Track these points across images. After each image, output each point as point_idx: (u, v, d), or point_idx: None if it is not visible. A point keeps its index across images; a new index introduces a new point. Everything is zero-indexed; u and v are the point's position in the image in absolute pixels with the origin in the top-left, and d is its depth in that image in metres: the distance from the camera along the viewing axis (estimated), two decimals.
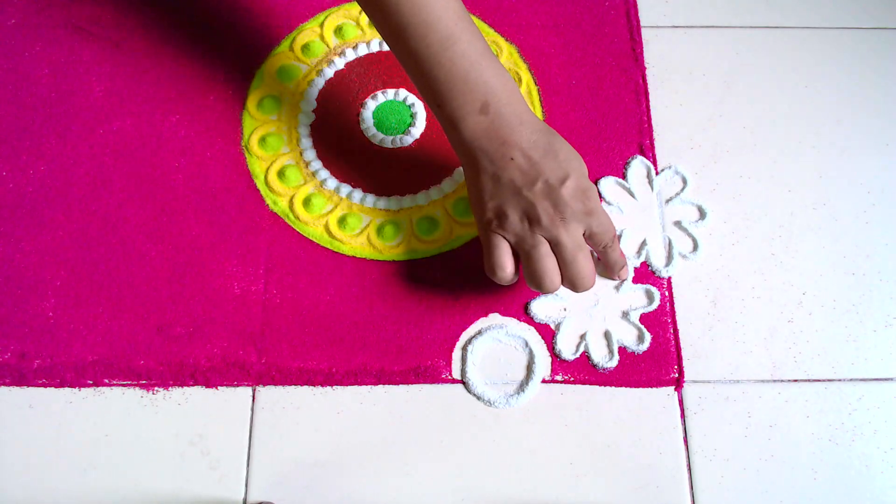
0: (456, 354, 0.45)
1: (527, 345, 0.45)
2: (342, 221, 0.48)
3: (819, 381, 0.45)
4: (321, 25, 0.54)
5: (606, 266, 0.45)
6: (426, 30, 0.40)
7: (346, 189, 0.49)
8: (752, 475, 0.42)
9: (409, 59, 0.41)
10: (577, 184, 0.40)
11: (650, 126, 0.52)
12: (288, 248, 0.48)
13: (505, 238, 0.41)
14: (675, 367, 0.45)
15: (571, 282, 0.41)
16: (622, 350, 0.45)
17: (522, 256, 0.41)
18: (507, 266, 0.41)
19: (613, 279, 0.46)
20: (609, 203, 0.49)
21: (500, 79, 0.41)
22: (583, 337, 0.45)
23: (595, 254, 0.44)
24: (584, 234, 0.41)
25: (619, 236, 0.48)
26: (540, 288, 0.41)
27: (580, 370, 0.45)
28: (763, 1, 0.56)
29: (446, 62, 0.40)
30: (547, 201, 0.40)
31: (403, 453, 0.43)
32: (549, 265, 0.41)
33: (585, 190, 0.40)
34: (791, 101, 0.53)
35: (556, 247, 0.41)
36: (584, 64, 0.54)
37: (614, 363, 0.45)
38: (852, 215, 0.49)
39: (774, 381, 0.45)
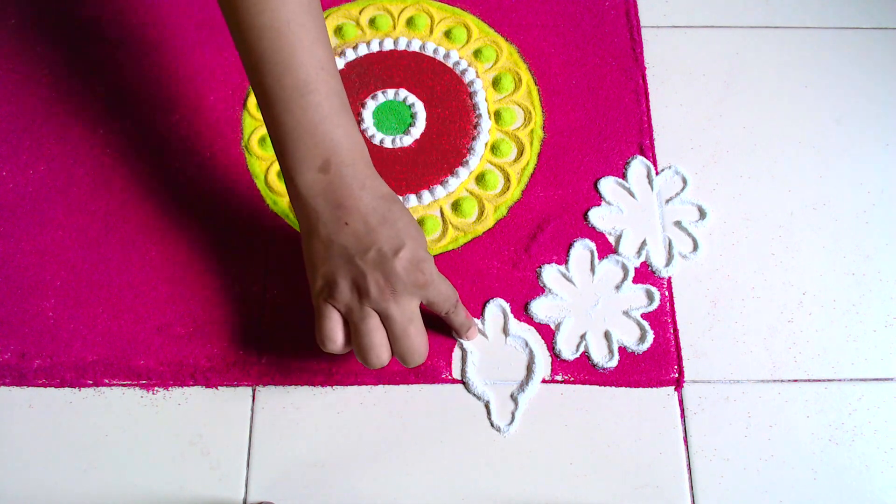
0: (456, 354, 0.45)
1: (527, 345, 0.45)
2: None
3: (819, 381, 0.45)
4: None
5: (453, 329, 0.44)
6: (284, 71, 0.38)
7: None
8: (752, 475, 0.42)
9: (261, 95, 0.39)
10: (411, 255, 0.38)
11: (650, 126, 0.52)
12: (288, 248, 0.48)
13: (335, 307, 0.39)
14: (675, 367, 0.45)
15: (401, 356, 0.39)
16: (622, 350, 0.45)
17: (351, 328, 0.39)
18: (336, 338, 0.39)
19: (463, 339, 0.45)
20: (609, 203, 0.49)
21: (350, 139, 0.39)
22: (583, 337, 0.45)
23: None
24: (426, 303, 0.39)
25: (620, 237, 0.48)
26: (366, 363, 0.39)
27: (580, 370, 0.45)
28: (763, 1, 0.56)
29: (297, 110, 0.38)
30: (378, 272, 0.37)
31: (403, 453, 0.43)
32: (376, 339, 0.38)
33: (420, 261, 0.38)
34: (791, 101, 0.53)
35: (385, 320, 0.38)
36: (584, 64, 0.54)
37: (614, 363, 0.45)
38: (852, 215, 0.49)
39: (774, 381, 0.45)
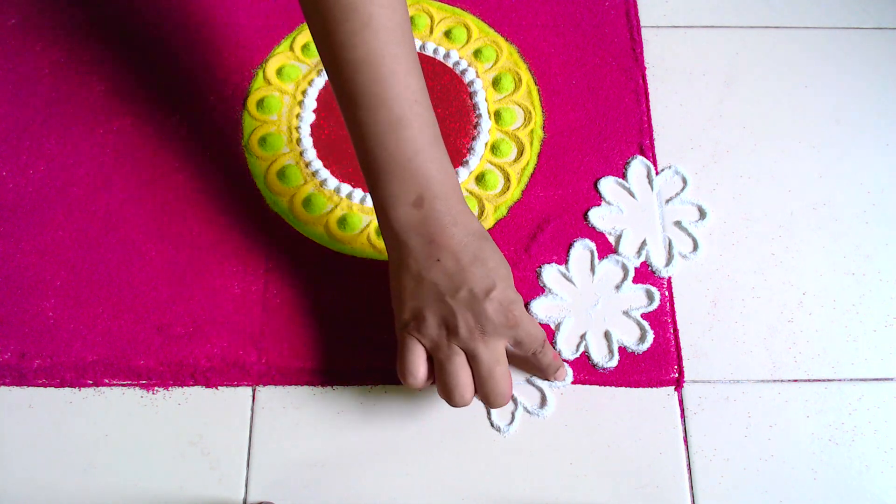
0: None
1: None
2: (342, 221, 0.48)
3: (819, 381, 0.45)
4: None
5: (540, 370, 0.42)
6: (378, 105, 0.38)
7: (346, 189, 0.49)
8: (752, 475, 0.42)
9: (354, 129, 0.39)
10: (502, 295, 0.38)
11: (650, 126, 0.52)
12: (288, 248, 0.48)
13: (421, 342, 0.39)
14: (675, 367, 0.45)
15: (485, 398, 0.39)
16: (622, 350, 0.45)
17: (436, 364, 0.39)
18: (419, 373, 0.39)
19: (550, 381, 0.43)
20: (609, 203, 0.49)
21: (443, 174, 0.39)
22: (583, 337, 0.45)
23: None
24: (509, 344, 0.39)
25: (620, 237, 0.48)
26: (449, 401, 0.39)
27: (580, 370, 0.45)
28: (763, 1, 0.56)
29: (391, 144, 0.38)
30: (469, 312, 0.37)
31: (403, 453, 0.43)
32: (462, 379, 0.38)
33: (511, 303, 0.38)
34: (791, 101, 0.53)
35: (472, 360, 0.38)
36: (584, 64, 0.54)
37: (614, 363, 0.45)
38: (852, 215, 0.49)
39: (774, 381, 0.45)
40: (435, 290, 0.38)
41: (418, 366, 0.39)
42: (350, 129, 0.40)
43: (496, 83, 0.53)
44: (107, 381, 0.44)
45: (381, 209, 0.39)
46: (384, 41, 0.38)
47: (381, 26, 0.38)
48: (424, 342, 0.39)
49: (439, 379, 0.39)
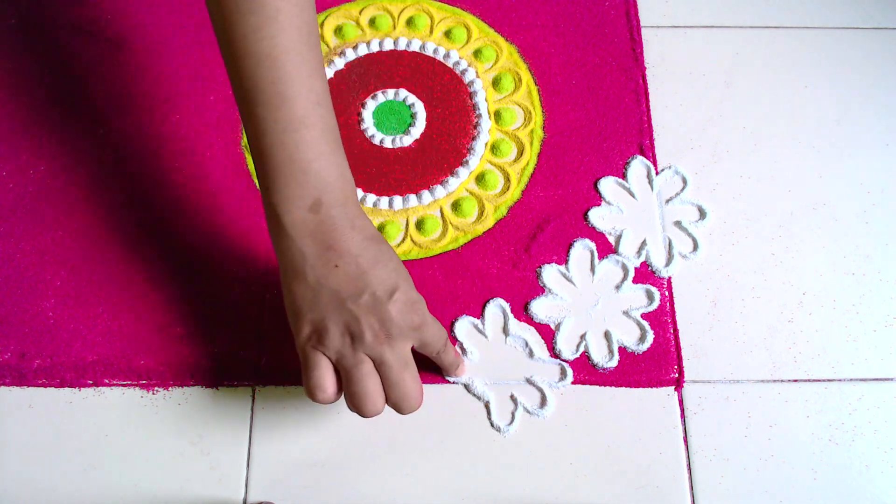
0: None
1: (527, 345, 0.45)
2: None
3: (819, 381, 0.45)
4: (321, 25, 0.54)
5: (442, 368, 0.43)
6: (280, 103, 0.36)
7: None
8: (752, 475, 0.42)
9: (251, 126, 0.37)
10: (406, 297, 0.36)
11: (650, 126, 0.52)
12: None
13: (325, 354, 0.36)
14: (675, 367, 0.45)
15: (396, 404, 0.37)
16: (622, 350, 0.45)
17: (343, 376, 0.37)
18: (327, 387, 0.36)
19: (451, 377, 0.44)
20: (609, 203, 0.49)
21: (342, 179, 0.37)
22: (583, 337, 0.45)
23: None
24: (416, 346, 0.38)
25: (620, 237, 0.48)
26: (360, 412, 0.36)
27: (580, 370, 0.45)
28: (763, 1, 0.56)
29: (290, 145, 0.36)
30: (373, 316, 0.35)
31: (403, 453, 0.43)
32: (370, 387, 0.36)
33: (414, 303, 0.37)
34: (791, 101, 0.53)
35: (380, 366, 0.36)
36: (584, 64, 0.54)
37: (614, 363, 0.45)
38: (852, 215, 0.49)
39: (774, 381, 0.45)
40: (335, 297, 0.36)
41: (326, 380, 0.36)
42: (246, 126, 0.38)
43: (496, 83, 0.53)
44: (107, 381, 0.44)
45: (274, 213, 0.37)
46: (290, 38, 0.37)
47: (287, 23, 0.36)
48: (329, 354, 0.36)
49: (347, 390, 0.36)
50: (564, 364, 0.45)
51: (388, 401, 0.37)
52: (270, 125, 0.36)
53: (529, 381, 0.44)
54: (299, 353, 0.38)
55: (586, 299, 0.46)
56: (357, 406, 0.36)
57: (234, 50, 0.37)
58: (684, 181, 0.50)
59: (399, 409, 0.37)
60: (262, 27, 0.36)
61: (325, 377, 0.37)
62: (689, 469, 0.43)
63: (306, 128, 0.36)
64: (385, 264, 0.37)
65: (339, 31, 0.54)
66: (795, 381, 0.45)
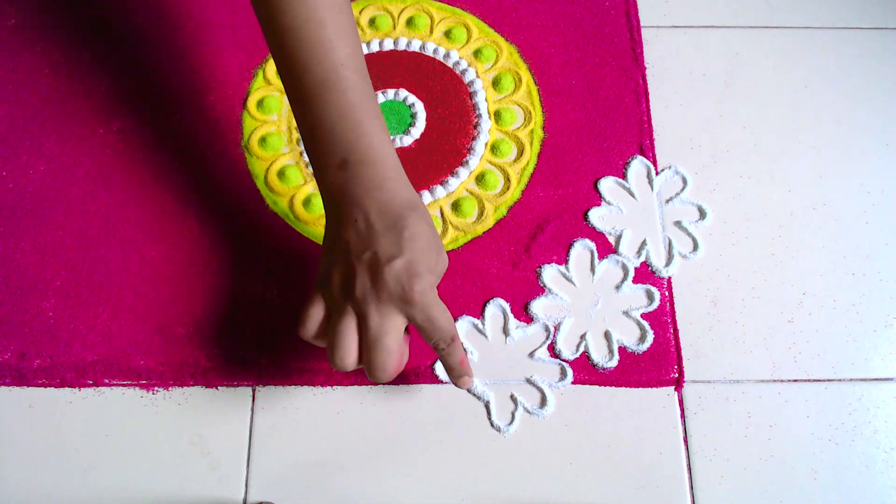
0: None
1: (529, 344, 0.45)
2: None
3: (819, 381, 0.45)
4: None
5: (446, 369, 0.40)
6: (304, 69, 0.38)
7: None
8: (752, 475, 0.42)
9: (288, 95, 0.40)
10: (406, 267, 0.36)
11: (650, 126, 0.52)
12: (288, 248, 0.48)
13: (324, 298, 0.38)
14: (675, 367, 0.45)
15: (367, 366, 0.37)
16: (622, 350, 0.45)
17: (329, 322, 0.38)
18: (311, 326, 0.38)
19: (455, 384, 0.41)
20: (609, 203, 0.49)
21: (369, 138, 0.38)
22: (583, 337, 0.45)
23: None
24: (415, 326, 0.37)
25: (620, 237, 0.48)
26: (330, 361, 0.37)
27: (580, 370, 0.45)
28: (763, 1, 0.56)
29: (317, 109, 0.38)
30: (367, 275, 0.36)
31: (403, 453, 0.43)
32: (346, 340, 0.37)
33: (414, 276, 0.36)
34: (791, 101, 0.53)
35: (361, 324, 0.37)
36: (584, 64, 0.54)
37: (614, 363, 0.45)
38: (852, 215, 0.49)
39: (774, 381, 0.45)
40: (345, 248, 0.37)
41: (313, 319, 0.38)
42: (287, 97, 0.40)
43: (496, 83, 0.53)
44: (107, 381, 0.44)
45: (314, 171, 0.40)
46: (311, 7, 0.38)
47: None
48: (326, 299, 0.38)
49: (327, 336, 0.38)
50: (564, 364, 0.45)
51: (360, 362, 0.38)
52: (298, 91, 0.39)
53: (529, 381, 0.44)
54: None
55: (586, 299, 0.46)
56: (329, 353, 0.37)
57: (268, 26, 0.40)
58: (684, 181, 0.50)
59: (368, 373, 0.37)
60: (290, 2, 0.38)
61: (314, 316, 0.38)
62: (689, 469, 0.43)
63: (328, 91, 0.38)
64: (399, 231, 0.37)
65: None
66: (795, 381, 0.45)
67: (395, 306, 0.36)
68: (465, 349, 0.41)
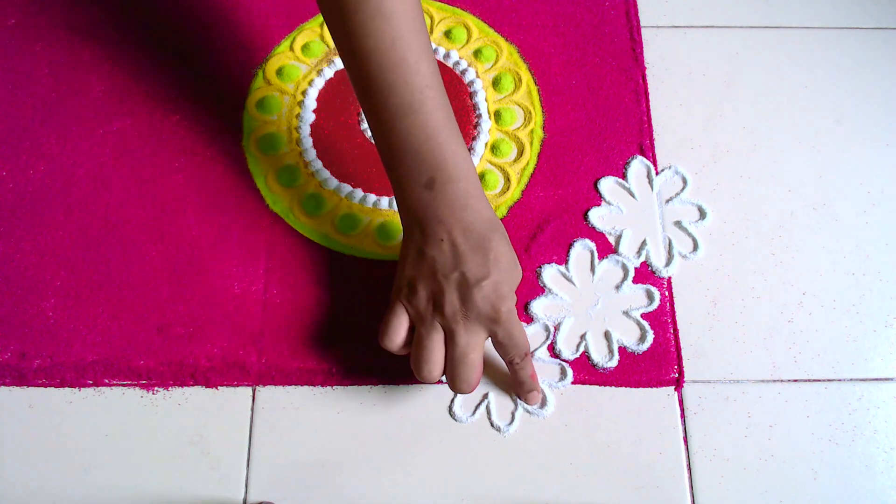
0: None
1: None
2: (342, 221, 0.48)
3: (819, 381, 0.45)
4: (321, 25, 0.54)
5: (516, 385, 0.43)
6: (389, 92, 0.39)
7: (346, 189, 0.49)
8: (752, 475, 0.42)
9: (369, 116, 0.41)
10: (493, 288, 0.38)
11: (650, 126, 0.52)
12: (288, 248, 0.48)
13: (408, 310, 0.40)
14: (675, 367, 0.45)
15: (451, 380, 0.40)
16: (622, 350, 0.45)
17: (416, 336, 0.40)
18: (397, 338, 0.40)
19: (522, 400, 0.43)
20: (609, 203, 0.49)
21: (455, 157, 0.39)
22: (583, 337, 0.45)
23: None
24: (494, 342, 0.40)
25: (620, 237, 0.48)
26: (418, 373, 0.40)
27: (580, 370, 0.45)
28: (763, 1, 0.56)
29: (402, 130, 0.39)
30: (456, 294, 0.38)
31: (403, 453, 0.43)
32: (435, 355, 0.39)
33: (500, 297, 0.38)
34: (791, 101, 0.53)
35: (449, 340, 0.39)
36: (584, 64, 0.54)
37: (614, 363, 0.45)
38: (852, 215, 0.49)
39: (774, 381, 0.45)
40: (432, 265, 0.39)
41: (399, 331, 0.40)
42: (366, 117, 0.41)
43: (496, 83, 0.53)
44: (107, 381, 0.44)
45: (396, 188, 0.41)
46: (395, 28, 0.39)
47: (391, 14, 0.39)
48: (411, 311, 0.40)
49: (414, 349, 0.40)
50: (564, 364, 0.45)
51: (445, 374, 0.40)
52: (383, 114, 0.39)
53: None
54: (391, 299, 0.41)
55: (586, 299, 0.46)
56: (417, 366, 0.39)
57: (347, 47, 0.40)
58: (684, 181, 0.50)
59: (452, 386, 0.40)
60: (367, 22, 0.39)
61: (400, 328, 0.40)
62: (689, 469, 0.43)
63: (415, 112, 0.39)
64: (485, 252, 0.39)
65: None
66: (795, 381, 0.45)
67: (481, 325, 0.39)
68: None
